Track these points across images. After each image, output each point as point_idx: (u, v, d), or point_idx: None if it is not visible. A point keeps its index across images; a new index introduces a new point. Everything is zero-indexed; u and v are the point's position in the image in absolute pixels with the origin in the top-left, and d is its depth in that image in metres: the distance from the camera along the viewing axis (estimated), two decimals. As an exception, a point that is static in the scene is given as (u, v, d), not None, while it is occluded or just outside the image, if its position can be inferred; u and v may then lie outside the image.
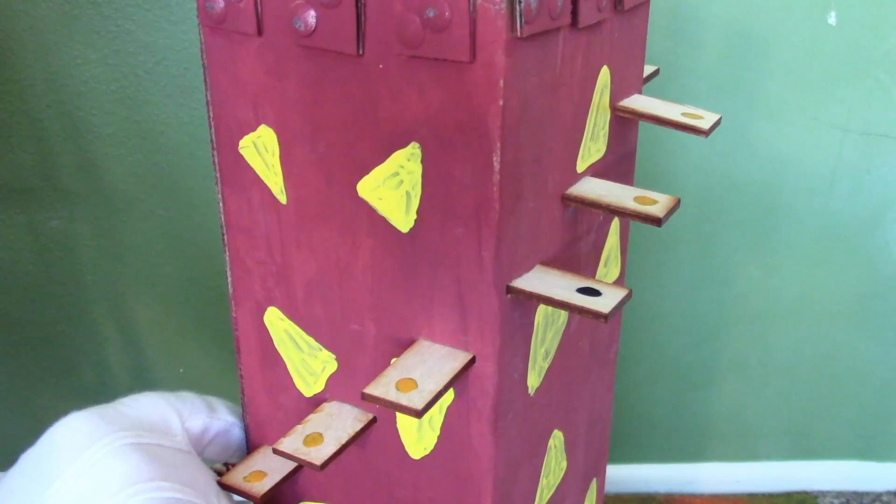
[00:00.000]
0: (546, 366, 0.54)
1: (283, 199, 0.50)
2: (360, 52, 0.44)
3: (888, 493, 1.38)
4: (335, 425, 0.52)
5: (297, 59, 0.46)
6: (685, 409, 1.32)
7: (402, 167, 0.45)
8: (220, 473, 0.57)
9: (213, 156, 0.53)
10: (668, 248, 1.20)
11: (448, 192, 0.44)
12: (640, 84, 0.60)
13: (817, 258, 1.21)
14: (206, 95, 0.51)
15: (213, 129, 0.52)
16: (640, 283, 1.20)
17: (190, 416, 0.56)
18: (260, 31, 0.47)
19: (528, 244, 0.47)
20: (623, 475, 1.36)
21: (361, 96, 0.45)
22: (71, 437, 0.50)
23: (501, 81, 0.41)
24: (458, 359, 0.47)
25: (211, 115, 0.52)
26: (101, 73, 1.05)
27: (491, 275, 0.45)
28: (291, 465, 0.56)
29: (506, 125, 0.42)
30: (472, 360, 0.47)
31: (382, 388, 0.45)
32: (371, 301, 0.50)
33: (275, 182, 0.50)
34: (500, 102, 0.41)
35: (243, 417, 0.60)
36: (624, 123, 0.58)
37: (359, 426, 0.52)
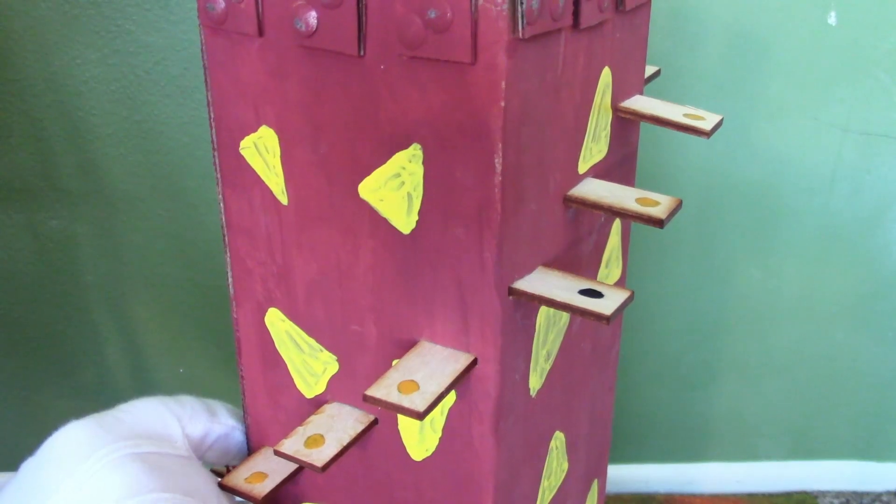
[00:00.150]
0: (548, 367, 0.54)
1: (284, 199, 0.50)
2: (362, 52, 0.44)
3: (888, 493, 1.38)
4: (336, 427, 0.52)
5: (299, 59, 0.46)
6: (685, 409, 1.32)
7: (403, 168, 0.45)
8: (220, 475, 0.57)
9: (213, 156, 0.53)
10: (668, 249, 1.19)
11: (449, 194, 0.44)
12: (642, 85, 0.59)
13: (817, 258, 1.21)
14: (207, 96, 0.51)
15: (213, 130, 0.52)
16: (640, 283, 1.20)
17: (190, 421, 0.56)
18: (261, 32, 0.47)
19: (529, 245, 0.47)
20: (623, 475, 1.36)
21: (362, 97, 0.45)
22: (69, 447, 0.50)
23: (503, 82, 0.41)
24: (460, 360, 0.47)
25: (211, 116, 0.52)
26: (101, 73, 1.05)
27: (492, 276, 0.45)
28: (292, 466, 0.56)
29: (507, 126, 0.42)
30: (474, 362, 0.47)
31: (384, 390, 0.45)
32: (372, 302, 0.50)
33: (276, 183, 0.50)
34: (502, 103, 0.41)
35: (244, 419, 0.60)
36: (625, 124, 0.57)
37: (360, 428, 0.52)
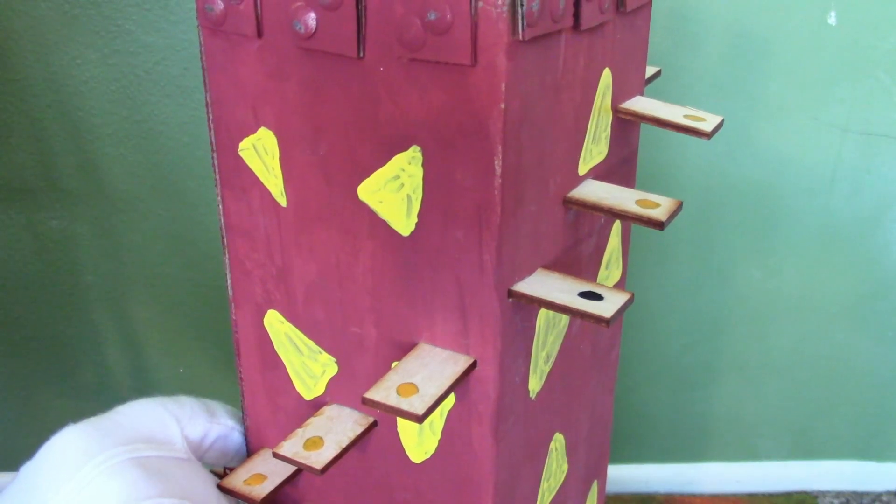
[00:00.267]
0: (547, 369, 0.54)
1: (283, 201, 0.50)
2: (361, 54, 0.44)
3: (888, 493, 1.38)
4: (335, 429, 0.52)
5: (298, 61, 0.46)
6: (685, 409, 1.32)
7: (402, 170, 0.45)
8: (219, 476, 0.57)
9: (212, 158, 0.53)
10: (668, 249, 1.19)
11: (449, 196, 0.44)
12: (642, 86, 0.59)
13: (817, 258, 1.21)
14: (206, 97, 0.51)
15: (212, 132, 0.52)
16: (640, 283, 1.20)
17: (189, 422, 0.56)
18: (260, 34, 0.47)
19: (529, 247, 0.47)
20: (623, 475, 1.36)
21: (362, 99, 0.45)
22: (67, 453, 0.50)
23: (503, 84, 0.41)
24: (460, 363, 0.47)
25: (210, 118, 0.52)
26: (101, 73, 1.05)
27: (492, 278, 0.45)
28: (291, 468, 0.56)
29: (507, 128, 0.42)
30: (474, 364, 0.47)
31: (383, 392, 0.44)
32: (372, 304, 0.49)
33: (275, 184, 0.50)
34: (502, 105, 0.41)
35: (243, 420, 0.60)
36: (626, 125, 0.57)
37: (359, 430, 0.52)
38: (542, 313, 0.51)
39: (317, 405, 0.55)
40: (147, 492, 0.49)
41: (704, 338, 1.27)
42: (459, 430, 0.50)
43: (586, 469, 0.67)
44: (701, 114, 0.58)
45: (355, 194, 0.47)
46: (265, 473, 0.56)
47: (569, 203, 0.50)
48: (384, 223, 0.47)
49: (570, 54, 0.46)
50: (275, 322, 0.54)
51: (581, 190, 0.51)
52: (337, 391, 0.54)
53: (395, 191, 0.46)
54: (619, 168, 0.58)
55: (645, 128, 0.63)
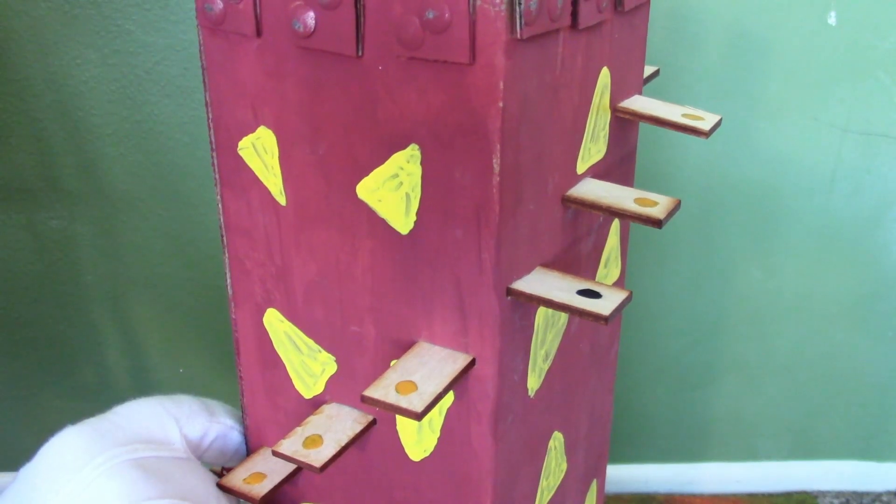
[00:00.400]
0: (546, 367, 0.54)
1: (282, 200, 0.50)
2: (360, 53, 0.44)
3: (888, 493, 1.38)
4: (335, 427, 0.52)
5: (297, 60, 0.46)
6: (685, 409, 1.32)
7: (401, 169, 0.45)
8: (216, 475, 0.57)
9: (212, 157, 0.53)
10: (668, 249, 1.19)
11: (448, 194, 0.44)
12: (641, 85, 0.59)
13: (817, 258, 1.21)
14: (206, 96, 0.51)
15: (212, 131, 0.52)
16: (640, 283, 1.20)
17: (188, 421, 0.56)
18: (259, 33, 0.47)
19: (528, 246, 0.47)
20: (623, 475, 1.36)
21: (361, 98, 0.45)
22: (66, 455, 0.50)
23: (501, 83, 0.41)
24: (458, 361, 0.47)
25: (210, 117, 0.52)
26: (101, 73, 1.05)
27: (491, 277, 0.45)
28: (291, 466, 0.56)
29: (506, 127, 0.42)
30: (473, 363, 0.47)
31: (382, 390, 0.45)
32: (371, 303, 0.50)
33: (274, 183, 0.50)
34: (500, 104, 0.41)
35: (242, 419, 0.60)
36: (624, 124, 0.57)
37: (358, 428, 0.52)
38: (541, 311, 0.51)
39: (316, 404, 0.55)
40: (146, 493, 0.49)
41: (704, 338, 1.27)
42: (458, 429, 0.50)
43: (585, 468, 0.67)
44: (699, 113, 0.58)
45: (354, 193, 0.47)
46: (265, 472, 0.56)
47: (567, 201, 0.50)
48: (383, 222, 0.47)
49: (568, 53, 0.46)
50: (274, 321, 0.55)
51: (580, 188, 0.51)
52: (336, 390, 0.54)
53: (393, 189, 0.46)
54: (617, 167, 0.58)
55: (644, 127, 0.63)
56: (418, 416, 0.43)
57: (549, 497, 0.60)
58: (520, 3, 0.40)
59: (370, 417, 0.53)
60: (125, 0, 1.02)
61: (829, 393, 1.31)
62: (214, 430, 0.58)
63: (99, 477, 0.49)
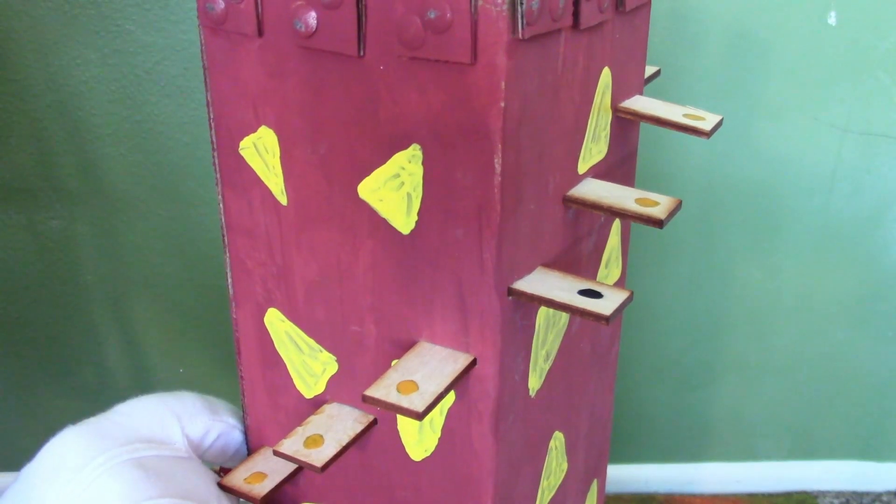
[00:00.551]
0: (547, 367, 0.54)
1: (283, 200, 0.50)
2: (361, 53, 0.44)
3: (888, 493, 1.38)
4: (335, 427, 0.52)
5: (298, 60, 0.46)
6: (685, 409, 1.32)
7: (402, 168, 0.45)
8: (216, 474, 0.57)
9: (213, 157, 0.53)
10: (668, 249, 1.19)
11: (449, 194, 0.44)
12: (642, 85, 0.59)
13: (817, 258, 1.21)
14: (207, 96, 0.51)
15: (213, 131, 0.52)
16: (640, 282, 1.20)
17: (190, 420, 0.56)
18: (260, 32, 0.47)
19: (529, 246, 0.47)
20: (623, 475, 1.36)
21: (362, 98, 0.45)
22: (67, 455, 0.50)
23: (503, 83, 0.41)
24: (459, 361, 0.47)
25: (211, 116, 0.52)
26: (101, 73, 1.05)
27: (492, 276, 0.45)
28: (292, 466, 0.56)
29: (507, 126, 0.42)
30: (474, 362, 0.47)
31: (383, 390, 0.45)
32: (372, 302, 0.50)
33: (275, 183, 0.50)
34: (502, 104, 0.41)
35: (243, 419, 0.60)
36: (625, 124, 0.57)
37: (359, 428, 0.52)
38: (542, 311, 0.51)
39: (317, 403, 0.55)
40: (147, 492, 0.49)
41: (704, 338, 1.27)
42: (459, 428, 0.50)
43: (586, 468, 0.68)
44: (700, 113, 0.58)
45: (355, 193, 0.47)
46: (265, 472, 0.56)
47: (568, 201, 0.50)
48: (384, 221, 0.47)
49: (569, 53, 0.46)
50: (275, 320, 0.55)
51: (581, 188, 0.51)
52: (337, 389, 0.54)
53: (395, 189, 0.46)
54: (618, 167, 0.58)
55: (645, 127, 0.63)
56: (419, 416, 0.43)
57: (550, 497, 0.60)
58: (521, 3, 0.40)
59: (371, 417, 0.53)
60: (125, 0, 1.02)
61: (829, 393, 1.31)
62: (217, 428, 0.58)
63: (99, 477, 0.49)
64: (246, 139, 0.50)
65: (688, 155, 1.13)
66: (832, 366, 1.29)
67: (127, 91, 1.06)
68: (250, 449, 0.61)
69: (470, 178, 0.43)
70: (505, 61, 0.40)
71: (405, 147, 0.45)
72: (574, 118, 0.49)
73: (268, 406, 0.58)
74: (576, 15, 0.45)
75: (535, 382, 0.52)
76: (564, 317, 0.54)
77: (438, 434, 0.51)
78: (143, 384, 1.23)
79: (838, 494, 1.37)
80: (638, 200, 0.50)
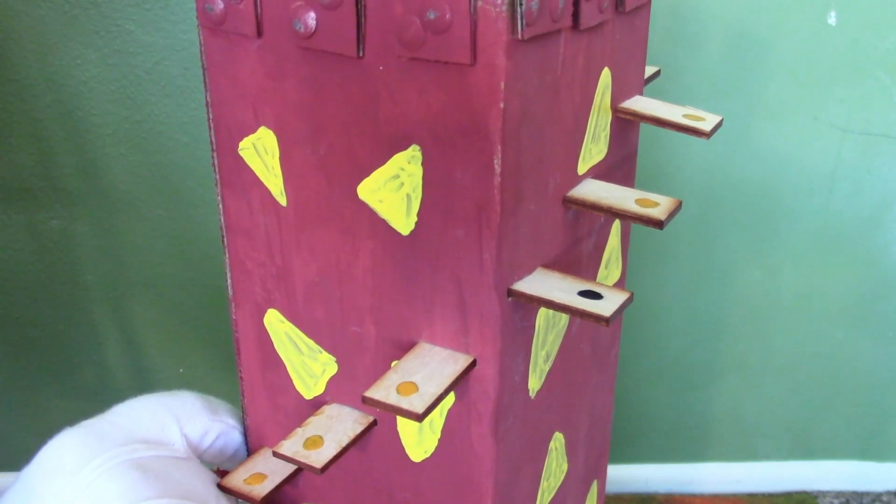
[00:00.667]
0: (547, 368, 0.54)
1: (283, 201, 0.50)
2: (361, 54, 0.44)
3: (888, 493, 1.38)
4: (335, 428, 0.52)
5: (297, 60, 0.46)
6: (685, 409, 1.32)
7: (402, 169, 0.45)
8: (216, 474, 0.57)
9: (212, 158, 0.53)
10: (668, 249, 1.19)
11: (449, 195, 0.44)
12: (642, 85, 0.59)
13: (817, 258, 1.21)
14: (206, 97, 0.51)
15: (212, 131, 0.52)
16: (640, 283, 1.20)
17: (189, 420, 0.56)
18: (260, 33, 0.47)
19: (529, 246, 0.47)
20: (623, 475, 1.36)
21: (362, 98, 0.45)
22: (65, 457, 0.50)
23: (502, 83, 0.41)
24: (459, 362, 0.47)
25: (210, 117, 0.52)
26: (101, 73, 1.05)
27: (492, 277, 0.45)
28: (292, 467, 0.56)
29: (507, 127, 0.42)
30: (473, 363, 0.47)
31: (383, 391, 0.45)
32: (371, 303, 0.49)
33: (275, 184, 0.50)
34: (501, 104, 0.41)
35: (243, 420, 0.60)
36: (625, 125, 0.57)
37: (359, 429, 0.52)
38: (542, 312, 0.51)
39: (317, 404, 0.55)
40: (146, 493, 0.49)
41: (704, 338, 1.27)
42: (459, 429, 0.50)
43: (586, 468, 0.67)
44: (700, 113, 0.58)
45: (355, 193, 0.47)
46: (265, 472, 0.56)
47: (568, 202, 0.50)
48: (384, 222, 0.47)
49: (569, 54, 0.46)
50: (275, 321, 0.55)
51: (580, 189, 0.51)
52: (337, 390, 0.54)
53: (394, 190, 0.46)
54: (618, 167, 0.58)
55: (645, 127, 0.63)
56: (419, 418, 0.43)
57: (550, 498, 0.60)
58: (521, 4, 0.40)
59: (371, 418, 0.53)
60: (125, 0, 1.02)
61: (829, 393, 1.31)
62: (216, 429, 0.58)
63: (98, 478, 0.48)
64: (245, 140, 0.50)
65: (688, 155, 1.13)
66: (832, 366, 1.29)
67: (127, 91, 1.06)
68: (250, 450, 0.61)
69: (469, 179, 0.43)
70: (504, 62, 0.40)
71: (405, 148, 0.44)
72: (574, 119, 0.49)
73: (267, 407, 0.58)
74: (575, 15, 0.45)
75: (534, 383, 0.52)
76: (564, 318, 0.54)
77: (438, 435, 0.51)
78: (143, 384, 1.23)
79: (838, 494, 1.37)
80: (638, 201, 0.50)
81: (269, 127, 0.49)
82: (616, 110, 0.55)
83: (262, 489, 0.55)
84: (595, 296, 0.46)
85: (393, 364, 0.49)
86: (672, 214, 0.49)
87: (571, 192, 0.51)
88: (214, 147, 0.52)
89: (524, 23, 0.40)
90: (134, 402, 0.56)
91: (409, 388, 0.45)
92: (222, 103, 0.51)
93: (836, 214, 1.18)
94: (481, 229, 0.44)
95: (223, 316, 0.63)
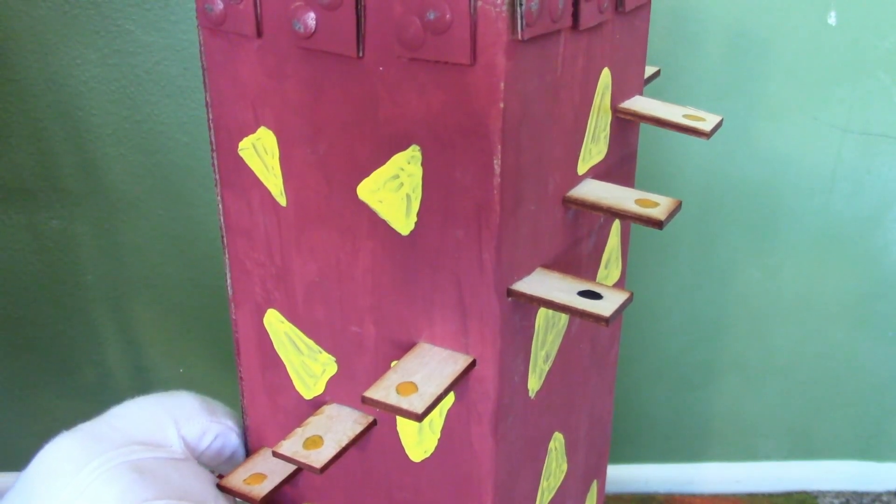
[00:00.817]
0: (547, 368, 0.54)
1: (282, 201, 0.50)
2: (360, 54, 0.44)
3: (888, 493, 1.38)
4: (335, 428, 0.52)
5: (297, 61, 0.46)
6: (685, 409, 1.32)
7: (402, 169, 0.45)
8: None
9: (212, 158, 0.53)
10: (668, 249, 1.19)
11: (448, 195, 0.44)
12: (642, 85, 0.59)
13: (817, 258, 1.21)
14: (206, 97, 0.51)
15: (212, 131, 0.52)
16: (640, 283, 1.20)
17: (187, 421, 0.56)
18: (259, 33, 0.47)
19: (528, 247, 0.47)
20: (623, 475, 1.36)
21: (361, 98, 0.45)
22: (62, 460, 0.50)
23: (502, 84, 0.41)
24: (459, 362, 0.47)
25: (210, 117, 0.52)
26: (101, 73, 1.05)
27: (491, 278, 0.45)
28: (291, 467, 0.56)
29: (506, 127, 0.42)
30: (473, 363, 0.47)
31: (383, 391, 0.45)
32: (371, 303, 0.50)
33: (274, 184, 0.50)
34: (501, 105, 0.41)
35: (243, 420, 0.60)
36: (625, 125, 0.57)
37: (359, 429, 0.52)
38: (542, 312, 0.51)
39: (316, 404, 0.55)
40: (143, 494, 0.49)
41: (704, 338, 1.27)
42: (459, 429, 0.50)
43: (586, 468, 0.67)
44: (700, 113, 0.58)
45: (355, 194, 0.47)
46: (265, 472, 0.56)
47: (568, 202, 0.50)
48: (384, 222, 0.47)
49: (569, 54, 0.46)
50: (274, 321, 0.55)
51: (580, 189, 0.51)
52: (336, 390, 0.54)
53: (394, 190, 0.46)
54: (618, 168, 0.58)
55: (645, 128, 0.63)
56: (419, 418, 0.43)
57: (550, 498, 0.60)
58: (521, 4, 0.40)
59: (370, 418, 0.53)
60: (125, 0, 1.02)
61: (829, 393, 1.31)
62: (214, 429, 0.58)
63: (95, 481, 0.48)
64: (245, 140, 0.50)
65: (688, 155, 1.13)
66: (832, 366, 1.29)
67: (127, 91, 1.06)
68: (249, 450, 0.61)
69: (469, 179, 0.43)
70: (504, 62, 0.40)
71: (404, 148, 0.44)
72: (574, 119, 0.49)
73: (267, 407, 0.58)
74: (575, 16, 0.45)
75: (534, 383, 0.52)
76: (564, 318, 0.54)
77: (438, 435, 0.51)
78: (143, 384, 1.23)
79: (838, 494, 1.37)
80: (638, 201, 0.50)
81: (268, 127, 0.49)
82: (616, 110, 0.55)
83: (261, 489, 0.55)
84: (595, 296, 0.46)
85: (392, 364, 0.49)
86: (672, 214, 0.49)
87: (571, 192, 0.51)
88: (214, 147, 0.52)
89: (524, 23, 0.40)
90: (131, 403, 0.56)
91: (408, 388, 0.45)
92: (222, 103, 0.51)
93: (836, 214, 1.18)
94: (481, 229, 0.44)
95: (223, 316, 0.63)
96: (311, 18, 0.44)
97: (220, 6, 0.47)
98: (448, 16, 0.40)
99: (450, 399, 0.49)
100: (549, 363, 0.54)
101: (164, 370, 1.23)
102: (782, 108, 1.11)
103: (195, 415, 0.57)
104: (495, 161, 0.42)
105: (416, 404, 0.44)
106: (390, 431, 0.53)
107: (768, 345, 1.27)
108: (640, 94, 0.59)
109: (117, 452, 0.50)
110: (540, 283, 0.47)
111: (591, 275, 0.58)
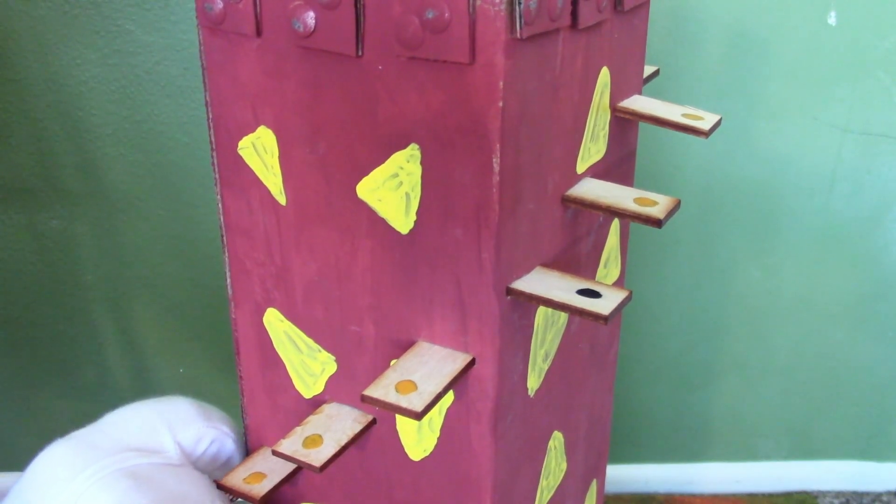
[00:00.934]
0: (546, 367, 0.54)
1: (282, 200, 0.50)
2: (360, 53, 0.44)
3: (888, 493, 1.38)
4: (334, 427, 0.52)
5: (297, 60, 0.46)
6: (685, 409, 1.32)
7: (401, 168, 0.45)
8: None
9: (212, 157, 0.53)
10: (668, 249, 1.19)
11: (448, 194, 0.44)
12: (641, 85, 0.59)
13: (817, 258, 1.21)
14: (206, 96, 0.51)
15: (212, 131, 0.52)
16: (640, 283, 1.20)
17: (183, 426, 0.56)
18: (259, 33, 0.47)
19: (527, 245, 0.47)
20: (623, 475, 1.36)
21: (361, 97, 0.45)
22: (57, 468, 0.49)
23: (501, 83, 0.41)
24: (458, 360, 0.47)
25: (210, 117, 0.52)
26: (101, 73, 1.05)
27: (491, 276, 0.45)
28: (291, 466, 0.56)
29: (505, 126, 0.42)
30: (472, 362, 0.47)
31: (382, 390, 0.45)
32: (371, 302, 0.50)
33: (274, 183, 0.50)
34: (500, 104, 0.41)
35: (242, 419, 0.60)
36: (624, 124, 0.57)
37: (358, 428, 0.52)
38: (541, 311, 0.51)
39: (316, 403, 0.55)
40: (138, 500, 0.48)
41: (704, 338, 1.27)
42: (458, 428, 0.50)
43: (585, 468, 0.67)
44: (699, 112, 0.58)
45: (354, 192, 0.47)
46: (264, 472, 0.56)
47: (567, 201, 0.50)
48: (383, 221, 0.47)
49: (567, 53, 0.46)
50: (274, 320, 0.55)
51: (579, 188, 0.51)
52: (336, 389, 0.54)
53: (393, 189, 0.46)
54: (617, 167, 0.58)
55: (644, 127, 0.63)
56: (418, 416, 0.43)
57: (549, 497, 0.60)
58: (519, 3, 0.40)
59: (370, 417, 0.53)
60: (125, 0, 1.02)
61: (829, 393, 1.31)
62: (210, 435, 0.57)
63: (90, 488, 0.48)
64: (245, 139, 0.51)
65: (687, 155, 1.13)
66: (832, 366, 1.29)
67: (127, 91, 1.06)
68: (249, 449, 0.61)
69: (468, 178, 0.43)
70: (503, 61, 0.40)
71: (404, 147, 0.45)
72: (573, 118, 0.49)
73: (267, 406, 0.58)
74: (574, 15, 0.45)
75: (533, 382, 0.52)
76: (563, 316, 0.54)
77: (437, 434, 0.51)
78: (143, 384, 1.23)
79: (838, 494, 1.37)
80: (637, 200, 0.50)
81: (268, 126, 0.49)
82: (615, 109, 0.55)
83: (261, 488, 0.55)
84: (594, 294, 0.46)
85: (392, 363, 0.49)
86: (671, 213, 0.49)
87: (570, 191, 0.51)
88: (214, 146, 0.52)
89: (523, 22, 0.40)
90: (126, 409, 0.55)
91: (407, 386, 0.45)
92: (222, 103, 0.51)
93: (836, 214, 1.18)
94: (480, 228, 0.44)
95: (223, 316, 0.63)
96: (310, 17, 0.44)
97: (220, 5, 0.47)
98: (447, 15, 0.40)
99: (449, 398, 0.49)
100: (549, 362, 0.54)
101: (164, 370, 1.23)
102: (782, 108, 1.11)
103: (190, 420, 0.57)
104: (494, 160, 0.42)
105: (416, 403, 0.44)
106: (390, 430, 0.53)
107: (768, 345, 1.27)
108: (640, 93, 0.59)
109: (112, 459, 0.50)
110: (539, 282, 0.47)
111: (590, 274, 0.58)
